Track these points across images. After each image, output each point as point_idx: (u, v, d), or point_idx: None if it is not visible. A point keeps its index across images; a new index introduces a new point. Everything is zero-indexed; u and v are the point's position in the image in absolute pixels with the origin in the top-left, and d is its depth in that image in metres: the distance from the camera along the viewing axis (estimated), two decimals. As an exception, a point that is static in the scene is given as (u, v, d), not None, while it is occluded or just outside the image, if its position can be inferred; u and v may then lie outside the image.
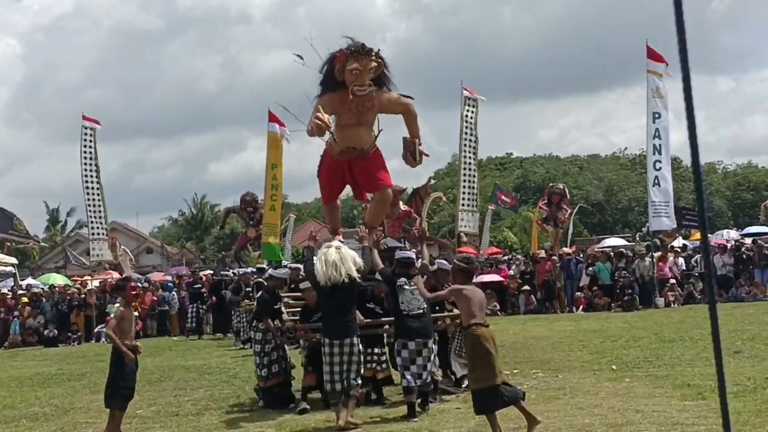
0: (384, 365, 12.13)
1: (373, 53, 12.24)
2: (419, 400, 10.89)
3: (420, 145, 13.01)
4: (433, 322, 11.62)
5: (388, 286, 11.39)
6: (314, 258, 11.07)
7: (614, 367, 13.56)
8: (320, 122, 11.58)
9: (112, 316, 11.60)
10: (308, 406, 11.68)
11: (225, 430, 10.38)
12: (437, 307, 12.29)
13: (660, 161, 26.91)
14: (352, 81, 12.04)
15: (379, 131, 13.17)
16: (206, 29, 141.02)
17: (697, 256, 28.44)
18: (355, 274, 10.67)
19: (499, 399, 8.62)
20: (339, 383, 10.27)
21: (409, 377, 10.76)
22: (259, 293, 13.78)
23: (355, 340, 10.52)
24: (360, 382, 10.57)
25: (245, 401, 12.76)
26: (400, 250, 13.52)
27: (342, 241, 12.49)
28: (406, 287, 11.14)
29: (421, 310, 11.10)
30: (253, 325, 13.07)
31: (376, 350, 12.02)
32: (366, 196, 14.02)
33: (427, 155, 13.21)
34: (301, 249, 46.12)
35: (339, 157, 12.67)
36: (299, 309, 12.93)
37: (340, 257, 10.65)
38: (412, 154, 12.97)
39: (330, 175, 12.99)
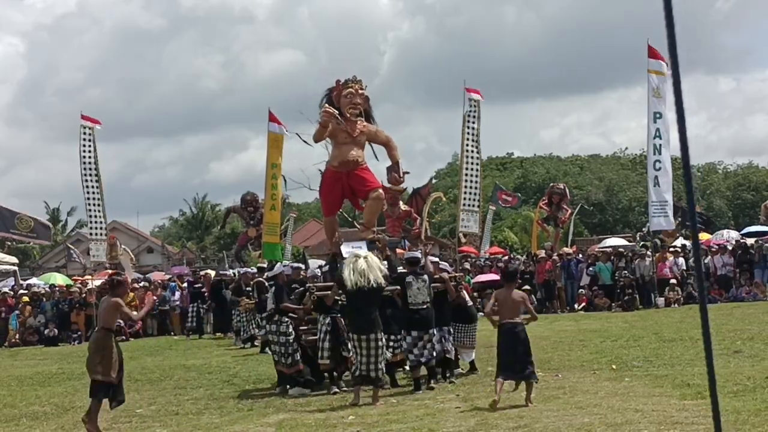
0: (399, 350, 13.34)
1: (364, 86, 15.30)
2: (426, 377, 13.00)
3: (400, 170, 16.33)
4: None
5: (398, 284, 13.03)
6: (343, 265, 12.53)
7: (614, 366, 13.58)
8: (329, 111, 14.59)
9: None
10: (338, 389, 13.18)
11: (225, 429, 10.40)
12: None
13: (660, 161, 26.89)
14: (347, 104, 14.89)
15: (377, 159, 16.21)
16: (208, 28, 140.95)
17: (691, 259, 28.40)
18: (382, 282, 12.04)
19: None
20: (365, 371, 11.76)
21: (412, 357, 12.83)
22: (272, 288, 14.65)
23: (379, 335, 11.93)
24: (383, 370, 12.11)
25: (245, 400, 12.77)
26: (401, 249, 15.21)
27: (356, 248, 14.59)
28: (414, 284, 12.88)
29: (425, 305, 12.89)
30: (275, 319, 14.05)
31: (392, 337, 13.24)
32: (359, 204, 16.30)
33: (407, 172, 16.64)
34: (302, 249, 46.19)
35: (339, 169, 15.15)
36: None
37: (368, 265, 11.91)
38: (396, 173, 16.25)
39: (330, 188, 15.59)
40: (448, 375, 13.60)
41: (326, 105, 14.92)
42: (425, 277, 13.10)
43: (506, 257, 35.41)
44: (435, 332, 13.03)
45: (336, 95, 15.11)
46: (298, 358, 13.76)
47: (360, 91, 15.12)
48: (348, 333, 12.97)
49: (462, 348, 14.32)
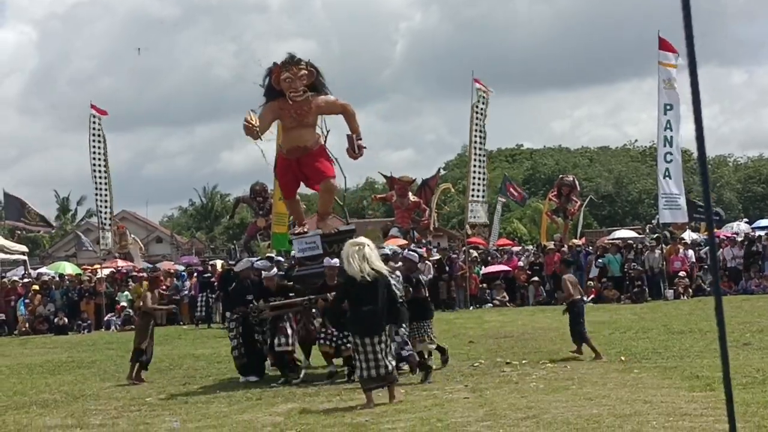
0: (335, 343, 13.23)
1: (303, 63, 14.42)
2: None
3: (359, 139, 14.98)
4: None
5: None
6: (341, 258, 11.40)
7: (623, 358, 13.57)
8: (248, 124, 13.84)
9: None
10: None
11: (234, 417, 10.41)
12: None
13: (671, 153, 26.84)
14: (287, 88, 14.24)
15: (327, 132, 15.53)
16: (221, 17, 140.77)
17: (707, 248, 28.33)
18: (385, 271, 11.01)
19: None
20: (373, 370, 10.61)
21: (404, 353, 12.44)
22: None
23: (384, 335, 10.75)
24: (393, 365, 10.96)
25: (254, 390, 12.79)
26: (349, 232, 14.69)
27: (309, 232, 14.84)
28: (390, 280, 11.65)
29: (400, 301, 12.01)
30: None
31: (331, 330, 13.20)
32: (317, 187, 15.34)
33: (364, 147, 15.13)
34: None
35: (287, 156, 14.78)
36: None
37: (374, 253, 10.96)
38: (352, 147, 14.97)
39: (283, 172, 15.13)
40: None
41: (249, 113, 14.09)
42: (398, 273, 12.76)
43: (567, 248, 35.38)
44: (405, 330, 12.71)
45: (275, 79, 14.45)
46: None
47: (300, 73, 14.26)
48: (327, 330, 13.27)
49: (418, 343, 13.27)
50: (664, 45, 26.72)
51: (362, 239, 11.35)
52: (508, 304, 27.80)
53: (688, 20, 3.10)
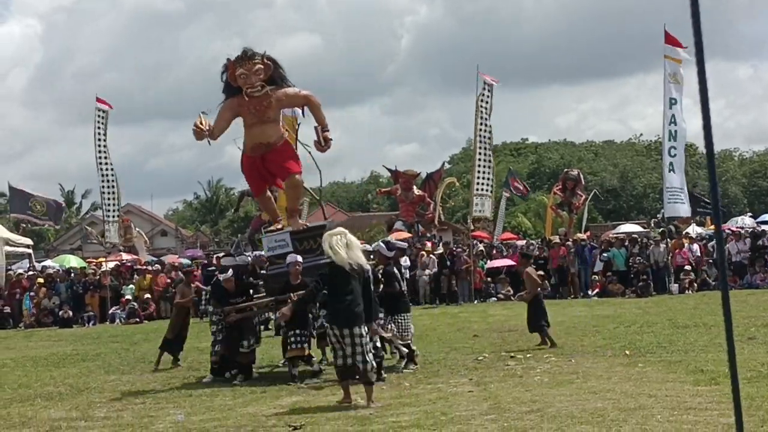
0: (306, 344, 13.09)
1: (258, 57, 13.90)
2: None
3: (325, 131, 14.45)
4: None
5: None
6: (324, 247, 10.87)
7: (627, 352, 13.56)
8: (196, 128, 13.57)
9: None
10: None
11: (238, 411, 10.42)
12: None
13: (675, 147, 26.81)
14: (243, 84, 13.78)
15: (298, 125, 15.51)
16: (226, 12, 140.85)
17: (711, 243, 28.31)
18: (365, 262, 10.74)
19: None
20: (349, 358, 10.31)
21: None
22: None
23: (363, 329, 10.42)
24: (373, 363, 10.62)
25: (258, 383, 12.80)
26: (320, 228, 14.26)
27: (275, 232, 14.61)
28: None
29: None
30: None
31: (298, 331, 12.93)
32: (281, 184, 15.06)
33: (331, 139, 14.61)
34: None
35: (251, 153, 14.32)
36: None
37: (355, 243, 10.72)
38: (318, 140, 14.48)
39: (248, 172, 14.66)
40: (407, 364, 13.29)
41: (200, 116, 13.80)
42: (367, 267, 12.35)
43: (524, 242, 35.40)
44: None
45: (231, 75, 13.98)
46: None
47: (255, 68, 13.79)
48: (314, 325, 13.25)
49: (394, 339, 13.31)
50: (669, 39, 26.66)
51: (340, 229, 11.04)
52: (512, 298, 27.76)
53: (696, 14, 3.08)
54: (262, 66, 13.88)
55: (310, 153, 15.54)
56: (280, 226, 15.12)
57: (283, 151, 14.39)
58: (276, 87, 14.19)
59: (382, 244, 14.13)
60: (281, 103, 14.36)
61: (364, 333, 10.37)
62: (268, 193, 15.70)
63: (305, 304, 12.08)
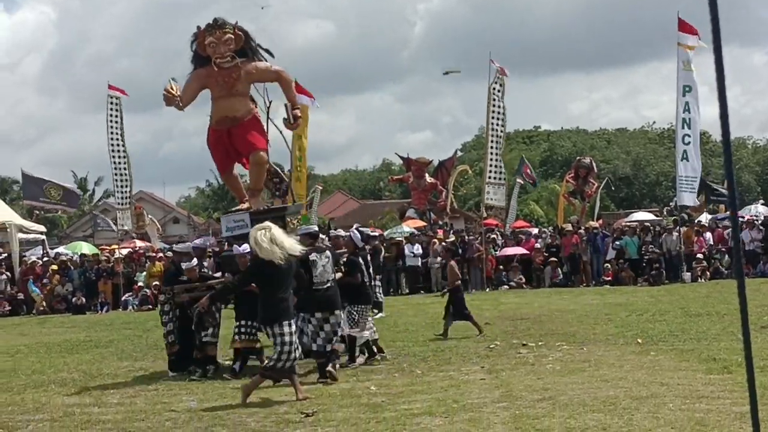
0: (253, 336, 12.71)
1: (228, 26, 13.49)
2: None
3: (294, 108, 14.18)
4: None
5: (303, 264, 11.27)
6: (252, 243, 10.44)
7: (639, 340, 13.54)
8: (167, 93, 13.21)
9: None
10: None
11: (250, 396, 10.44)
12: None
13: (689, 135, 26.71)
14: (212, 54, 13.37)
15: (270, 102, 14.81)
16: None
17: (728, 231, 28.19)
18: (296, 251, 10.26)
19: None
20: (287, 362, 10.13)
21: (318, 344, 11.50)
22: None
23: (294, 327, 10.27)
24: (298, 358, 10.49)
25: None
26: (281, 210, 14.22)
27: (250, 210, 13.97)
28: (318, 261, 11.53)
29: (329, 284, 11.62)
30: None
31: (247, 322, 12.53)
32: (247, 163, 14.57)
33: (299, 117, 14.52)
34: (327, 220, 46.14)
35: (217, 127, 13.92)
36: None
37: (284, 236, 10.25)
38: (287, 116, 14.17)
39: (214, 147, 14.22)
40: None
41: (170, 82, 13.43)
42: (328, 253, 11.90)
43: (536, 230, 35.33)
44: (341, 314, 11.94)
45: (200, 44, 13.59)
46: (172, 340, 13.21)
47: (225, 38, 13.41)
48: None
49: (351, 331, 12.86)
50: (683, 26, 26.53)
51: (267, 223, 10.59)
52: (524, 286, 27.77)
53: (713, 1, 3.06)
54: (232, 36, 13.52)
55: (281, 132, 15.32)
56: (245, 206, 14.62)
57: (250, 126, 14.02)
58: (247, 60, 13.79)
59: (356, 232, 13.84)
60: (251, 76, 13.95)
61: (293, 330, 10.16)
62: (235, 171, 15.24)
63: (220, 299, 11.76)
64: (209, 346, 12.86)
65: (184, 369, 12.85)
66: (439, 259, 28.33)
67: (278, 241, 9.98)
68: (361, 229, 15.39)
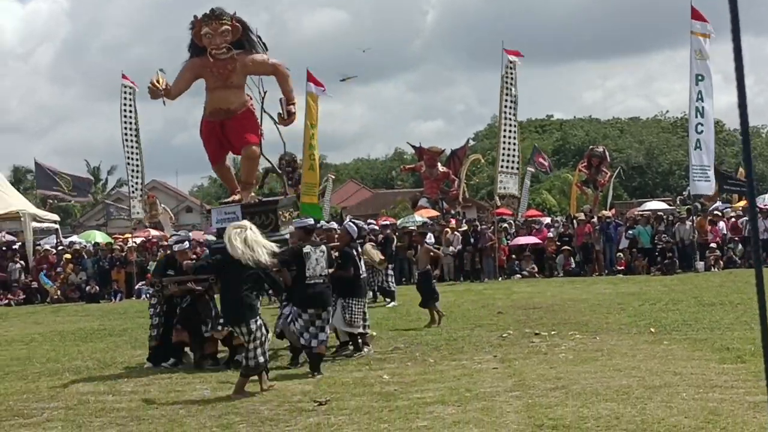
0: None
1: (225, 17, 13.28)
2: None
3: (289, 104, 14.03)
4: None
5: (295, 258, 11.35)
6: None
7: (652, 329, 13.51)
8: (151, 86, 13.05)
9: None
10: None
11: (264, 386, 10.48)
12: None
13: (702, 124, 26.59)
14: (208, 45, 13.18)
15: (265, 92, 14.66)
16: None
17: (742, 220, 28.09)
18: (266, 260, 10.04)
19: None
20: (253, 360, 9.97)
21: (303, 341, 11.28)
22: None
23: (256, 323, 10.00)
24: (266, 358, 10.22)
25: (285, 358, 12.85)
26: (273, 203, 14.17)
27: (225, 204, 13.96)
28: (312, 254, 11.33)
29: (323, 279, 11.38)
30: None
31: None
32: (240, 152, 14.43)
33: (294, 113, 14.24)
34: (339, 209, 46.12)
35: (210, 118, 13.76)
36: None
37: (256, 238, 10.03)
38: (282, 110, 13.99)
39: (207, 139, 14.05)
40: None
41: (156, 74, 13.26)
42: (323, 247, 11.66)
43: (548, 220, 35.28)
44: (330, 311, 11.67)
45: (197, 33, 13.39)
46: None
47: (222, 29, 13.22)
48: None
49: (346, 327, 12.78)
50: (696, 14, 26.40)
51: (245, 223, 10.52)
52: (536, 275, 27.74)
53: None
54: (229, 27, 13.34)
55: (276, 124, 15.03)
56: (237, 198, 14.48)
57: (244, 120, 13.87)
58: (243, 52, 13.65)
59: (351, 224, 13.70)
60: (247, 69, 13.79)
61: (255, 327, 9.95)
62: (227, 162, 15.02)
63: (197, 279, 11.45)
64: (207, 342, 12.71)
65: (161, 363, 12.68)
66: (451, 248, 28.34)
67: (250, 243, 9.87)
68: (354, 221, 15.31)
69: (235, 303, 10.05)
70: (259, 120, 14.53)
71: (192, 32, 13.55)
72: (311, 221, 12.29)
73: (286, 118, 14.16)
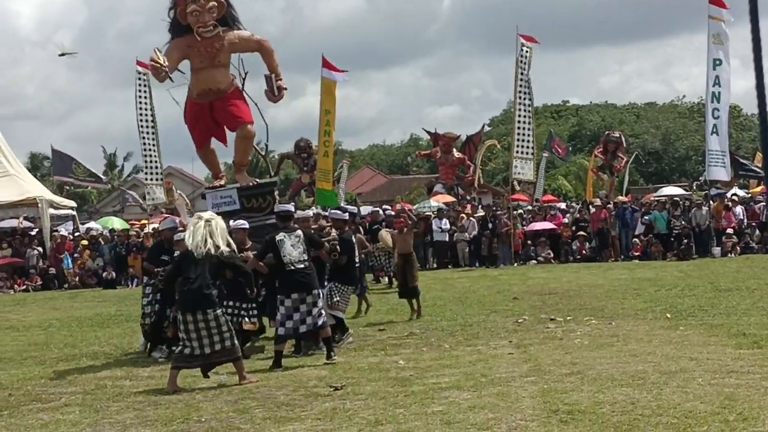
0: (253, 318, 12.24)
1: None
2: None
3: (279, 80, 13.47)
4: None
5: (269, 248, 11.24)
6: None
7: (668, 315, 13.49)
8: (155, 64, 12.33)
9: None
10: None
11: (279, 373, 10.53)
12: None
13: (719, 109, 26.46)
14: (195, 23, 12.65)
15: (246, 73, 14.09)
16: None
17: (760, 205, 27.97)
18: (225, 251, 9.99)
19: None
20: (197, 349, 9.79)
21: (282, 330, 11.03)
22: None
23: (216, 312, 9.84)
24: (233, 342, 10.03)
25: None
26: (270, 185, 14.06)
27: (220, 188, 13.81)
28: (286, 240, 11.14)
29: (303, 264, 11.14)
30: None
31: (241, 304, 11.99)
32: (224, 137, 14.18)
33: (285, 89, 13.67)
34: (354, 195, 46.06)
35: (198, 100, 13.29)
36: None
37: (210, 231, 9.92)
38: (270, 89, 13.46)
39: (193, 122, 13.59)
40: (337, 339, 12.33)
41: (155, 51, 12.55)
42: (299, 232, 11.33)
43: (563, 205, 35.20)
44: (318, 293, 11.36)
45: (181, 12, 12.85)
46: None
47: (209, 5, 12.73)
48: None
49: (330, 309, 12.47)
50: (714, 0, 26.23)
51: (209, 214, 10.43)
52: (552, 261, 27.70)
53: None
54: (215, 4, 12.88)
55: (257, 105, 14.55)
56: (222, 182, 14.31)
57: (233, 98, 13.47)
58: (227, 28, 13.23)
59: (337, 211, 13.80)
60: (234, 46, 13.34)
61: (215, 316, 9.82)
62: (212, 145, 14.52)
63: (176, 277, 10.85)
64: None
65: (151, 351, 12.63)
66: (466, 234, 28.32)
67: (213, 235, 9.85)
68: (344, 207, 15.18)
69: (193, 292, 9.80)
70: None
71: (174, 12, 13.07)
72: (287, 207, 12.16)
73: (276, 94, 13.67)
